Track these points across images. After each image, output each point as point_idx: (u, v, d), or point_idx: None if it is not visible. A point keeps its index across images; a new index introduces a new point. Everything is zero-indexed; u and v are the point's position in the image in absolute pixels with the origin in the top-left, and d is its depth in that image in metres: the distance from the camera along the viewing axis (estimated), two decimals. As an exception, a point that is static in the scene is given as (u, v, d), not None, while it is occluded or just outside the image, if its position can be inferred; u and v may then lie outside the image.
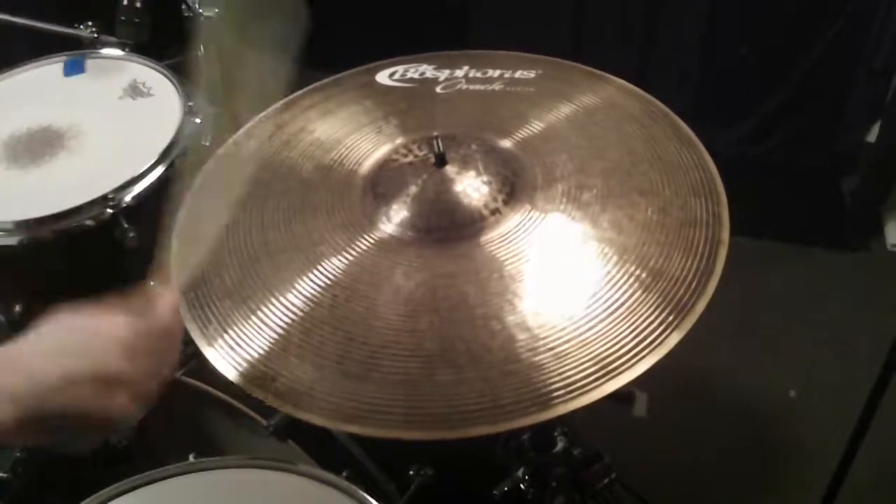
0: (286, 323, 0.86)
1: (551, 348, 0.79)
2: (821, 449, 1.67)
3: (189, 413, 1.25)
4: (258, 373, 0.83)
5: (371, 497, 0.92)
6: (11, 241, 1.22)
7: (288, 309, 0.87)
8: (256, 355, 0.84)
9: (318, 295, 0.88)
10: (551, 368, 0.78)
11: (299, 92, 1.16)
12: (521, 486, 1.17)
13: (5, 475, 1.28)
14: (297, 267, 0.90)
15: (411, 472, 1.14)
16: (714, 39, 2.27)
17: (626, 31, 2.34)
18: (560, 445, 1.19)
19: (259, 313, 0.87)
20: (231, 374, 0.83)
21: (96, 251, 1.28)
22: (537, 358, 0.79)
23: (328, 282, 0.89)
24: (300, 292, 0.88)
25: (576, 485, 1.21)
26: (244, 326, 0.86)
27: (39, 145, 1.33)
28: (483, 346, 0.81)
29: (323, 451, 1.10)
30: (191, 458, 1.01)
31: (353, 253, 0.91)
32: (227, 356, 0.84)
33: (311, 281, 0.89)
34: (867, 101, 2.25)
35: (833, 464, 1.38)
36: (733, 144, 2.31)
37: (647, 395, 1.28)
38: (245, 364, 0.84)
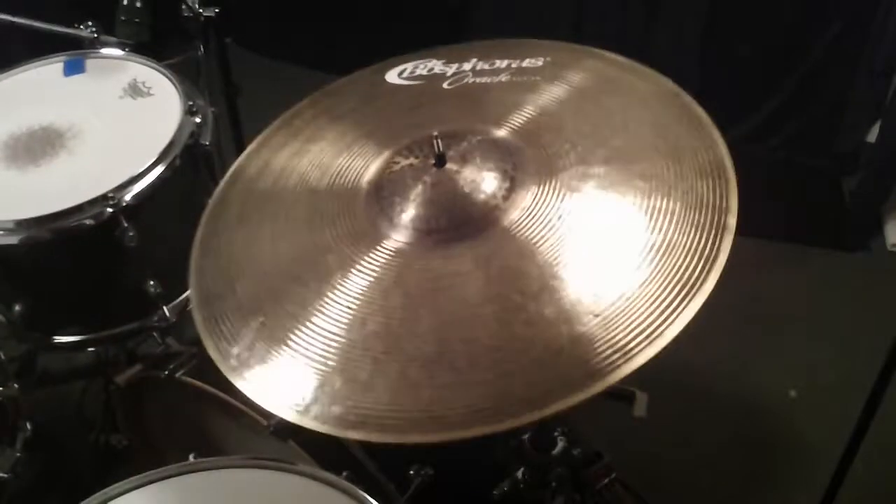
0: (294, 333, 0.86)
1: (549, 345, 0.79)
2: (821, 448, 1.67)
3: (189, 413, 1.26)
4: (268, 383, 0.84)
5: (371, 497, 0.92)
6: (11, 240, 1.22)
7: (296, 319, 0.87)
8: (266, 366, 0.84)
9: (324, 304, 0.88)
10: (550, 364, 0.78)
11: (309, 98, 1.15)
12: (521, 486, 1.17)
13: (5, 475, 1.28)
14: (305, 277, 0.91)
15: (411, 472, 1.14)
16: (714, 39, 2.27)
17: (625, 31, 2.34)
18: (560, 445, 1.19)
19: (269, 325, 0.88)
20: (244, 386, 0.84)
21: (96, 251, 1.28)
22: (536, 355, 0.79)
23: (334, 290, 0.89)
24: (308, 302, 0.88)
25: (576, 485, 1.21)
26: (254, 337, 0.87)
27: (39, 145, 1.33)
28: (482, 346, 0.81)
29: (323, 451, 1.10)
30: (191, 458, 1.01)
31: (359, 260, 0.91)
32: (239, 369, 0.85)
33: (318, 290, 0.89)
34: (867, 102, 2.25)
35: (833, 463, 1.38)
36: (733, 144, 2.30)
37: (648, 395, 1.28)
38: (255, 374, 0.84)
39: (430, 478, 1.14)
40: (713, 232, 0.84)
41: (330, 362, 0.83)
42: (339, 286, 0.89)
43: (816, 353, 1.94)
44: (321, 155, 1.06)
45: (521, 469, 1.18)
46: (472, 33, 2.56)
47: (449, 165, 0.95)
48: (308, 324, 0.87)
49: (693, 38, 2.28)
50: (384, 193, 0.96)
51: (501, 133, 1.01)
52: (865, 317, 1.97)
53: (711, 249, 0.83)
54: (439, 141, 0.95)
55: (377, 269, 0.90)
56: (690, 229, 0.85)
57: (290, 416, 0.81)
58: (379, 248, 0.92)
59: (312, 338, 0.86)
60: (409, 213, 0.93)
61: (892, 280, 2.11)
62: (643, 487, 1.46)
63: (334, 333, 0.85)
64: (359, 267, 0.90)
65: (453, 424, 0.77)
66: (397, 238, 0.92)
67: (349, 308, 0.87)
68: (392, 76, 1.15)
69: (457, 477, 1.22)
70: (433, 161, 0.95)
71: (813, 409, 1.84)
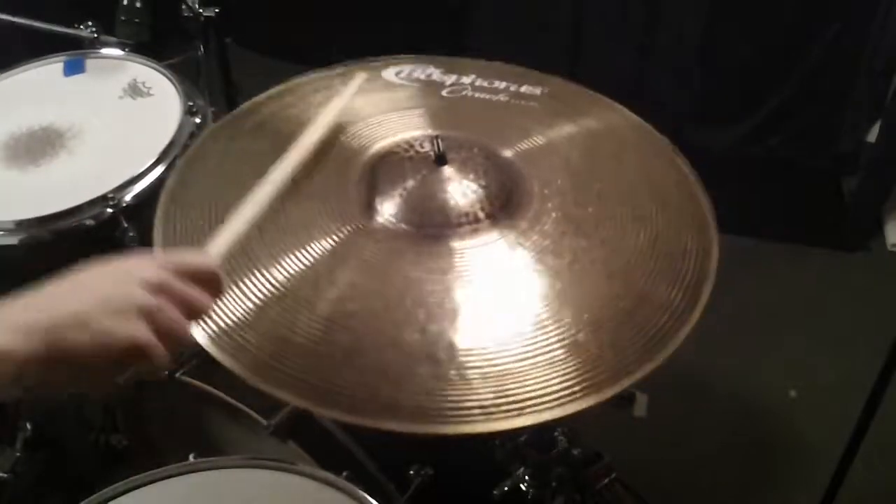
0: (267, 298, 0.86)
1: (528, 357, 0.80)
2: (821, 449, 1.67)
3: (189, 413, 1.26)
4: (234, 344, 0.83)
5: (371, 497, 0.92)
6: (11, 241, 1.22)
7: (271, 284, 0.87)
8: (234, 326, 0.84)
9: (302, 274, 0.88)
10: (531, 377, 0.78)
11: (304, 77, 1.16)
12: (521, 486, 1.17)
13: (5, 475, 1.28)
14: (285, 244, 0.90)
15: (411, 472, 1.14)
16: (714, 39, 2.27)
17: (625, 31, 2.34)
18: (560, 445, 1.19)
19: (241, 285, 0.87)
20: (205, 341, 0.83)
21: (96, 251, 1.28)
22: (514, 365, 0.79)
23: (314, 263, 0.89)
24: (285, 269, 0.88)
25: (576, 485, 1.21)
26: (225, 297, 0.86)
27: (39, 145, 1.33)
28: (465, 345, 0.81)
29: (323, 451, 1.10)
30: (191, 458, 1.01)
31: (343, 237, 0.91)
32: (205, 324, 0.84)
33: (297, 260, 0.89)
34: (867, 101, 2.25)
35: (833, 463, 1.38)
36: (733, 144, 2.30)
37: (648, 395, 1.28)
38: (221, 334, 0.83)
39: (430, 478, 1.14)
40: (694, 279, 0.87)
41: (308, 337, 0.83)
42: (320, 260, 0.89)
43: (816, 353, 1.94)
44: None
45: (522, 469, 1.18)
46: (472, 33, 2.56)
47: (448, 168, 0.96)
48: (287, 294, 0.86)
49: (693, 38, 2.29)
50: (379, 179, 0.97)
51: (504, 151, 1.02)
52: (865, 317, 1.97)
53: (693, 297, 0.86)
54: (440, 141, 0.95)
55: (362, 250, 0.90)
56: (673, 274, 0.88)
57: (261, 385, 0.81)
58: (365, 229, 0.92)
59: (290, 309, 0.85)
60: (400, 202, 0.94)
61: (892, 280, 2.11)
62: (643, 487, 1.46)
63: (312, 307, 0.85)
64: (343, 245, 0.91)
65: (431, 417, 0.77)
66: (385, 224, 0.93)
67: (330, 284, 0.87)
68: (388, 74, 1.15)
69: (457, 477, 1.22)
70: (434, 159, 0.96)
71: (813, 409, 1.84)
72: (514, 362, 0.80)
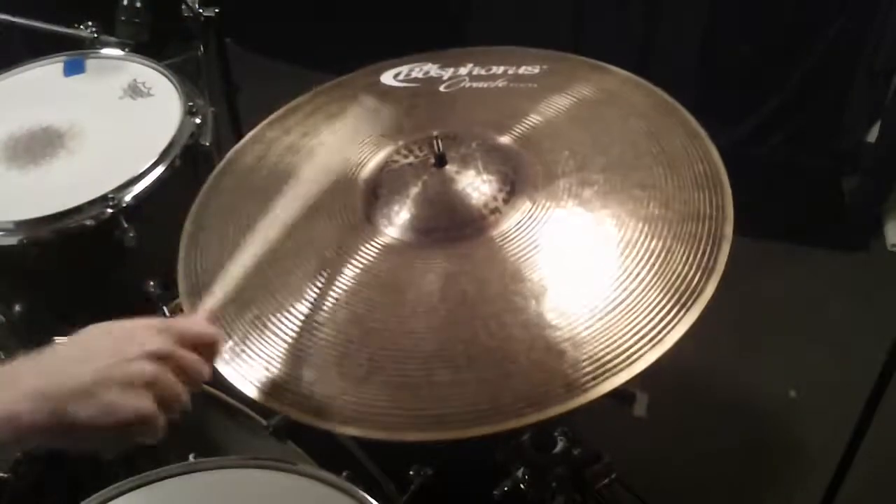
0: (288, 327, 0.86)
1: (549, 347, 0.79)
2: (821, 449, 1.67)
3: (189, 413, 1.25)
4: (262, 377, 0.83)
5: (371, 497, 0.92)
6: (11, 241, 1.22)
7: (291, 313, 0.87)
8: (260, 359, 0.84)
9: (320, 299, 0.88)
10: (550, 368, 0.78)
11: (304, 96, 1.16)
12: (521, 486, 1.17)
13: (5, 475, 1.28)
14: (300, 271, 0.91)
15: (411, 472, 1.14)
16: (714, 39, 2.27)
17: (625, 31, 2.34)
18: (560, 445, 1.19)
19: (263, 318, 0.88)
20: (237, 380, 0.83)
21: (96, 251, 1.28)
22: (535, 357, 0.79)
23: (330, 285, 0.89)
24: (303, 296, 0.88)
25: (576, 485, 1.21)
26: (248, 330, 0.87)
27: (39, 145, 1.33)
28: (482, 346, 0.81)
29: (323, 451, 1.10)
30: (191, 458, 1.00)
31: (355, 256, 0.91)
32: (233, 362, 0.85)
33: (313, 285, 0.89)
34: (867, 101, 2.25)
35: (833, 464, 1.38)
36: (733, 144, 2.30)
37: (648, 395, 1.28)
38: (249, 368, 0.84)
39: (430, 478, 1.14)
40: (711, 241, 0.85)
41: (326, 358, 0.83)
42: (335, 281, 0.89)
43: (816, 353, 1.94)
44: (318, 150, 1.06)
45: (522, 469, 1.18)
46: (473, 31, 2.56)
47: (449, 167, 0.95)
48: (303, 318, 0.87)
49: (693, 38, 2.28)
50: (382, 190, 0.97)
51: (502, 138, 1.01)
52: (865, 317, 1.97)
53: (709, 259, 0.83)
54: (440, 141, 0.95)
55: (374, 265, 0.90)
56: (689, 238, 0.86)
57: (283, 409, 0.81)
58: (376, 244, 0.92)
59: (308, 332, 0.86)
60: (407, 211, 0.94)
61: (892, 280, 2.11)
62: (643, 487, 1.46)
63: (330, 328, 0.85)
64: (355, 262, 0.90)
65: (452, 423, 0.77)
66: (395, 235, 0.92)
67: (346, 304, 0.87)
68: (387, 78, 1.15)
69: (457, 477, 1.22)
70: (433, 161, 0.96)
71: (813, 410, 1.84)
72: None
